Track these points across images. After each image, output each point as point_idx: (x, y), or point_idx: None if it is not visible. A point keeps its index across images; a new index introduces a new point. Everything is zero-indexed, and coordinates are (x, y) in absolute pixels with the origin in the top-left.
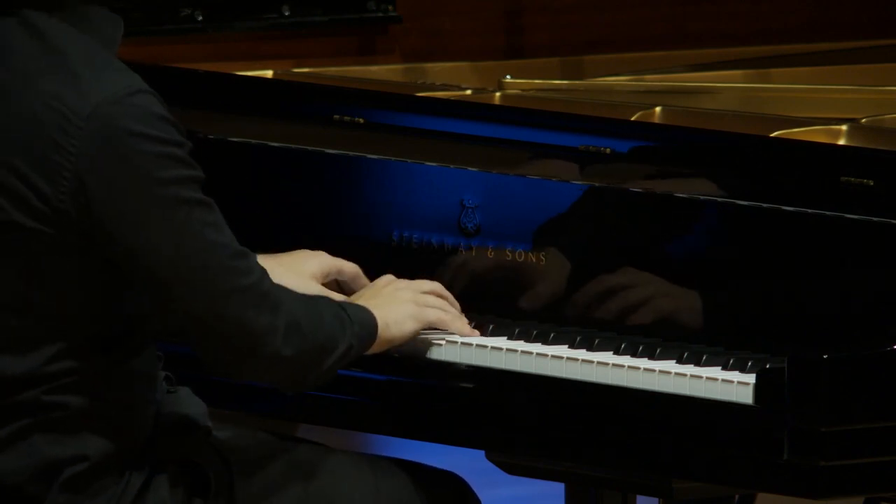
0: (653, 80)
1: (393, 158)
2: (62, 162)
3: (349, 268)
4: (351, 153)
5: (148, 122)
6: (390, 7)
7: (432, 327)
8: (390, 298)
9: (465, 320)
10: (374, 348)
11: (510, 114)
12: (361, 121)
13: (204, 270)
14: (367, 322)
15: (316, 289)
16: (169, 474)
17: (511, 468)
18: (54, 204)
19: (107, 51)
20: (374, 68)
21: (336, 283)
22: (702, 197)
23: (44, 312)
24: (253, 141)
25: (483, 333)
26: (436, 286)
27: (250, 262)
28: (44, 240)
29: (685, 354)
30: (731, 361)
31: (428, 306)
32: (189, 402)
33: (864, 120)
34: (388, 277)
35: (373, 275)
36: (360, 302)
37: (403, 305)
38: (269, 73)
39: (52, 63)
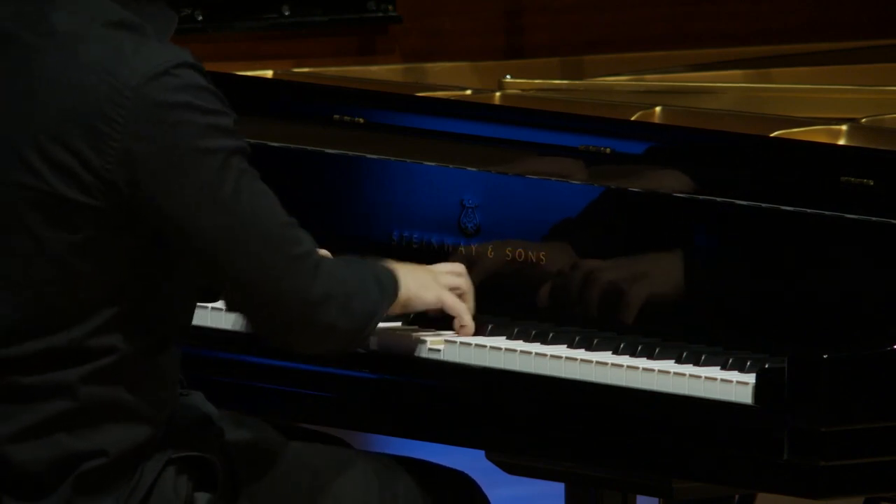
0: (653, 80)
1: (393, 158)
2: (110, 132)
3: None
4: (351, 153)
5: (194, 93)
6: (390, 7)
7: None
8: (413, 268)
9: (469, 317)
10: (392, 310)
11: (510, 114)
12: (361, 121)
13: (257, 239)
14: (392, 279)
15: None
16: (177, 468)
17: (511, 468)
18: (102, 175)
19: (157, 37)
20: (374, 68)
21: None
22: (702, 197)
23: (90, 287)
24: (253, 141)
25: (482, 333)
26: (458, 267)
27: (300, 231)
28: (91, 213)
29: (684, 354)
30: (731, 361)
31: (447, 287)
32: (202, 406)
33: (864, 120)
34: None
35: None
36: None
37: (425, 276)
38: (269, 73)
39: (101, 35)
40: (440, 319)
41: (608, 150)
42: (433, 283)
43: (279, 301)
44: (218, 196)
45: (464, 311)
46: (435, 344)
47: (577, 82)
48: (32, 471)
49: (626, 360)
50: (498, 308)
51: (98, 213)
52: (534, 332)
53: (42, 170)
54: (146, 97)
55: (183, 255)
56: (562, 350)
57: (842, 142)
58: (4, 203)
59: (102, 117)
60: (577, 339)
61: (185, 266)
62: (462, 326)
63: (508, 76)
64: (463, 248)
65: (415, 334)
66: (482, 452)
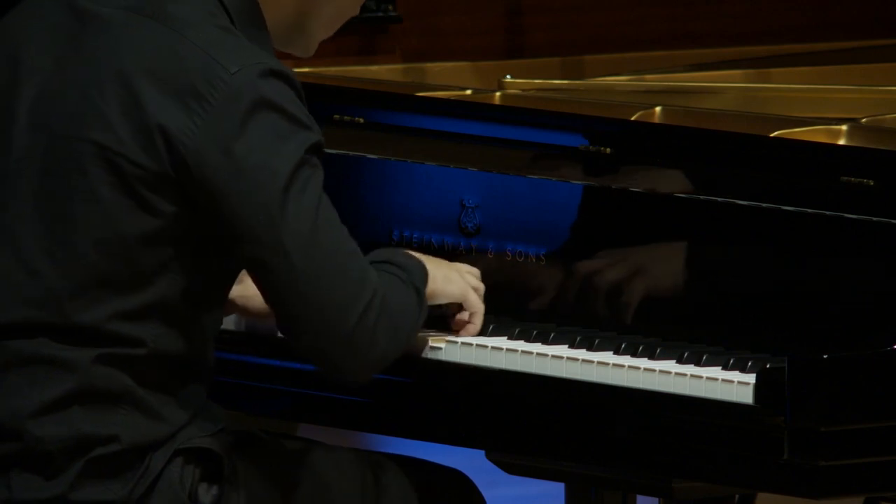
0: (653, 80)
1: (393, 158)
2: (198, 110)
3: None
4: (351, 153)
5: (288, 100)
6: (390, 7)
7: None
8: (439, 262)
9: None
10: None
11: (510, 114)
12: (361, 121)
13: (316, 262)
14: (423, 280)
15: None
16: (184, 458)
17: (511, 468)
18: (177, 149)
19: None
20: (374, 68)
21: None
22: (702, 197)
23: (134, 264)
24: None
25: (483, 333)
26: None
27: (364, 262)
28: (154, 181)
29: (685, 354)
30: (731, 361)
31: (475, 287)
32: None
33: (864, 120)
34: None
35: None
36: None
37: (450, 271)
38: None
39: (212, 27)
40: (440, 319)
41: (608, 150)
42: (458, 278)
43: (325, 318)
44: (283, 210)
45: (481, 311)
46: (436, 343)
47: (577, 82)
48: (48, 449)
49: (627, 360)
50: (498, 308)
51: (160, 182)
52: (535, 333)
53: (120, 130)
54: (241, 85)
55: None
56: (563, 350)
57: (842, 142)
58: (75, 159)
59: (195, 93)
60: (578, 339)
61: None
62: (470, 325)
63: (508, 76)
64: (463, 248)
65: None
66: (482, 452)
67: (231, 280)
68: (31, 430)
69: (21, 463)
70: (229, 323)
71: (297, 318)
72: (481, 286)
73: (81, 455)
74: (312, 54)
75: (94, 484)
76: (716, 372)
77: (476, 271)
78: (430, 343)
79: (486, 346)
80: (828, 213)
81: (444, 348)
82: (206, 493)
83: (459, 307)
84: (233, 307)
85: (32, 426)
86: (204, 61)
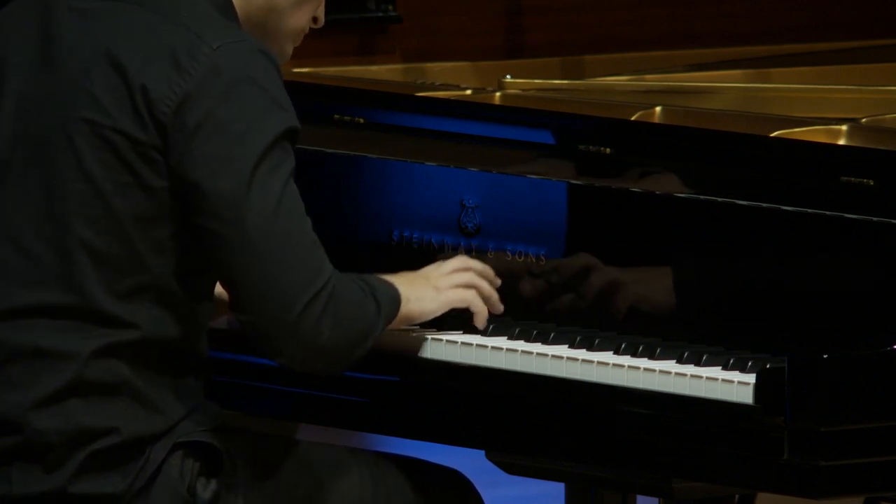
0: (653, 80)
1: (393, 158)
2: (178, 81)
3: None
4: (351, 153)
5: (269, 81)
6: (390, 7)
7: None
8: (412, 278)
9: (484, 303)
10: (394, 325)
11: (510, 114)
12: (361, 121)
13: (275, 237)
14: (392, 298)
15: None
16: (184, 452)
17: (511, 468)
18: (157, 117)
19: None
20: (374, 68)
21: None
22: (702, 197)
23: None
24: None
25: (483, 333)
26: (459, 262)
27: (322, 253)
28: (142, 150)
29: (685, 354)
30: (731, 361)
31: (451, 287)
32: (210, 405)
33: (864, 120)
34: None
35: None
36: (387, 278)
37: (424, 286)
38: None
39: (200, 7)
40: (440, 319)
41: (608, 150)
42: (434, 293)
43: (272, 302)
44: (254, 182)
45: (472, 298)
46: (436, 343)
47: (577, 82)
48: (49, 441)
49: (627, 360)
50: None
51: (151, 153)
52: (535, 332)
53: (109, 105)
54: (223, 59)
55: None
56: (563, 350)
57: (842, 142)
58: (67, 140)
59: (177, 65)
60: (578, 339)
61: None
62: (475, 317)
63: (508, 76)
64: (463, 249)
65: (415, 334)
66: (482, 452)
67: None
68: (31, 423)
69: (22, 456)
70: (229, 322)
71: (246, 297)
72: (468, 277)
73: (82, 447)
74: (287, 58)
75: (94, 477)
76: (716, 372)
77: (461, 262)
78: (431, 343)
79: (486, 346)
80: (828, 213)
81: (444, 348)
82: (205, 488)
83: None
84: (224, 307)
85: (33, 419)
86: (187, 37)
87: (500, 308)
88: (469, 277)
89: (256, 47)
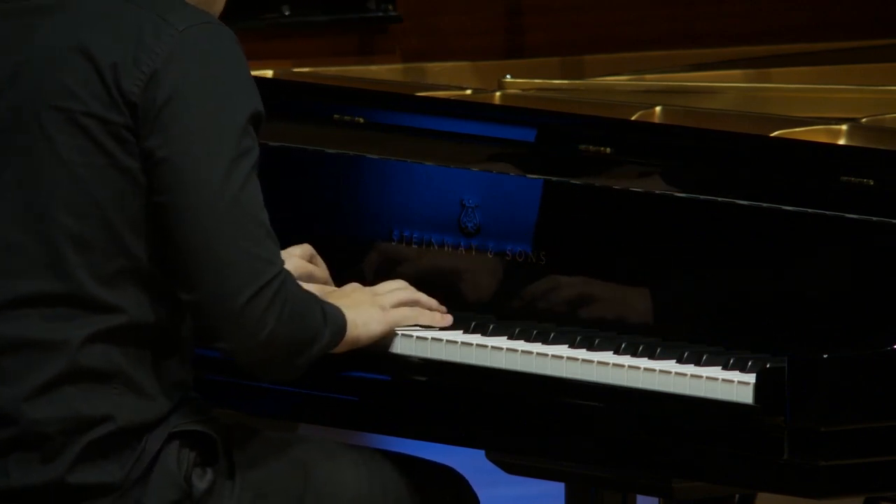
0: (653, 80)
1: (393, 158)
2: (146, 60)
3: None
4: (351, 153)
5: (234, 63)
6: (390, 7)
7: (402, 326)
8: (356, 301)
9: (433, 313)
10: (341, 347)
11: (510, 114)
12: (361, 121)
13: (227, 218)
14: (339, 320)
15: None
16: (180, 441)
17: (511, 468)
18: (128, 97)
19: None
20: (374, 68)
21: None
22: (702, 197)
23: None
24: None
25: (483, 333)
26: (398, 283)
27: (276, 246)
28: (118, 131)
29: (685, 354)
30: (731, 361)
31: (393, 307)
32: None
33: (864, 120)
34: (354, 284)
35: (374, 275)
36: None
37: (369, 308)
38: (269, 73)
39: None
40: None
41: (608, 150)
42: (378, 313)
43: (219, 288)
44: (211, 163)
45: (418, 315)
46: (436, 343)
47: (577, 82)
48: (45, 431)
49: (627, 360)
50: (498, 308)
51: (122, 134)
52: (535, 333)
53: (80, 91)
54: (189, 39)
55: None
56: (563, 350)
57: (842, 142)
58: (40, 128)
59: (144, 47)
60: (578, 338)
61: None
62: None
63: (508, 76)
64: (463, 248)
65: (415, 335)
66: (482, 452)
67: None
68: (26, 413)
69: (19, 448)
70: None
71: (195, 277)
72: (407, 294)
73: (78, 437)
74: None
75: (91, 467)
76: (716, 372)
77: (397, 283)
78: (430, 343)
79: (486, 346)
80: (828, 213)
81: (445, 348)
82: (202, 477)
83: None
84: None
85: (28, 409)
86: (152, 20)
87: (448, 320)
88: (409, 294)
89: (221, 30)
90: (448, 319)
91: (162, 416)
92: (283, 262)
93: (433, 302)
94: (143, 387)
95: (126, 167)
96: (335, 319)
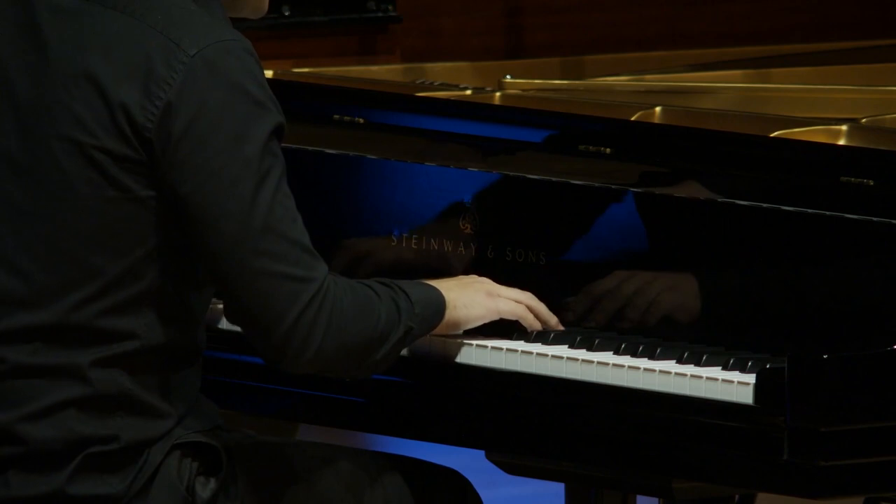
0: (653, 80)
1: (393, 158)
2: (157, 92)
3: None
4: (351, 153)
5: (250, 80)
6: (390, 7)
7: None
8: (464, 283)
9: (537, 321)
10: (441, 329)
11: (510, 114)
12: (361, 121)
13: (260, 244)
14: (431, 302)
15: None
16: (182, 452)
17: (511, 468)
18: (141, 132)
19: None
20: (374, 68)
21: None
22: (702, 197)
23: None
24: None
25: (483, 334)
26: (521, 293)
27: (314, 261)
28: (131, 167)
29: (685, 354)
30: (731, 361)
31: (502, 297)
32: (206, 404)
33: (864, 120)
34: (474, 276)
35: (374, 276)
36: (433, 283)
37: (475, 293)
38: (269, 73)
39: (169, 5)
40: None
41: (608, 150)
42: (484, 297)
43: (261, 313)
44: (238, 190)
45: (524, 314)
46: (436, 344)
47: (577, 82)
48: (44, 449)
49: (627, 360)
50: None
51: (137, 167)
52: (534, 333)
53: (91, 123)
54: (203, 64)
55: (188, 237)
56: (563, 350)
57: (842, 142)
58: (51, 157)
59: (155, 77)
60: (577, 339)
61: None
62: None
63: (508, 76)
64: (463, 248)
65: None
66: (482, 452)
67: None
68: (29, 433)
69: (20, 463)
70: (227, 323)
71: (238, 309)
72: (514, 295)
73: (80, 450)
74: (266, 11)
75: (92, 478)
76: (716, 372)
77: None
78: (430, 343)
79: (486, 346)
80: (828, 213)
81: (444, 349)
82: (204, 487)
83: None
84: None
85: (31, 430)
86: (162, 45)
87: (555, 322)
88: (527, 297)
89: (234, 46)
90: (554, 322)
91: (167, 430)
92: (324, 271)
93: (550, 315)
94: (151, 405)
95: (139, 197)
96: (427, 303)
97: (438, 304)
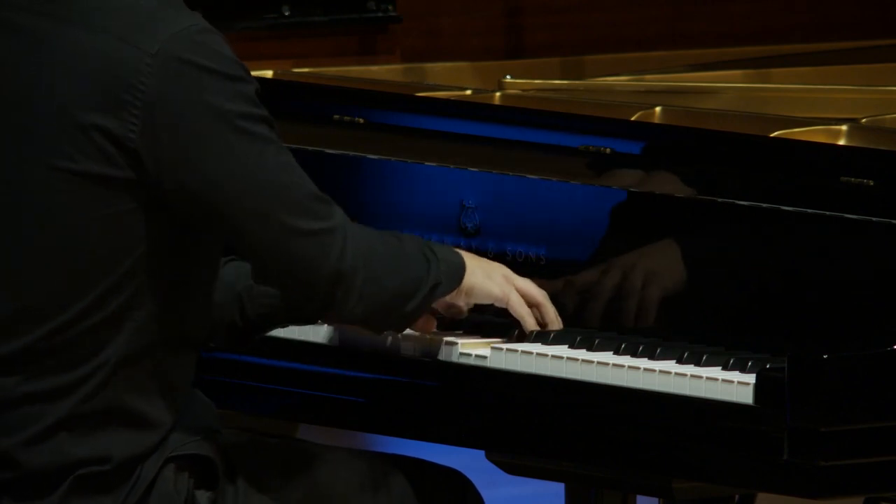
0: (653, 80)
1: (393, 158)
2: (131, 100)
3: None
4: (351, 153)
5: (217, 59)
6: (390, 7)
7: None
8: (484, 260)
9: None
10: (455, 296)
11: (510, 114)
12: (361, 121)
13: (278, 208)
14: (454, 262)
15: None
16: (176, 465)
17: (511, 468)
18: (125, 145)
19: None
20: (374, 68)
21: None
22: (702, 197)
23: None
24: None
25: (483, 335)
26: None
27: (328, 206)
28: (117, 185)
29: (685, 354)
30: (731, 361)
31: (521, 289)
32: (200, 404)
33: (864, 120)
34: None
35: None
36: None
37: (495, 270)
38: (269, 73)
39: (116, 5)
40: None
41: (608, 150)
42: (502, 279)
43: (298, 273)
44: (240, 160)
45: (527, 314)
46: (435, 344)
47: (577, 82)
48: (36, 473)
49: (627, 360)
50: (498, 309)
51: (123, 186)
52: (534, 333)
53: (69, 147)
54: (167, 62)
55: (205, 228)
56: (563, 350)
57: (842, 142)
58: (33, 182)
59: (124, 86)
60: (577, 339)
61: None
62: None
63: (508, 76)
64: (463, 249)
65: (414, 335)
66: (482, 452)
67: (211, 262)
68: (22, 458)
69: (12, 490)
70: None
71: (270, 275)
72: (537, 294)
73: (70, 474)
74: None
75: (84, 499)
76: (716, 372)
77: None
78: (430, 343)
79: (486, 346)
80: (828, 213)
81: (444, 349)
82: (203, 498)
83: (499, 312)
84: None
85: (23, 454)
86: (123, 51)
87: (559, 325)
88: (542, 295)
89: (191, 32)
90: (557, 325)
91: (160, 440)
92: (340, 213)
93: (557, 318)
94: (143, 415)
95: (127, 209)
96: (451, 262)
97: (460, 265)
